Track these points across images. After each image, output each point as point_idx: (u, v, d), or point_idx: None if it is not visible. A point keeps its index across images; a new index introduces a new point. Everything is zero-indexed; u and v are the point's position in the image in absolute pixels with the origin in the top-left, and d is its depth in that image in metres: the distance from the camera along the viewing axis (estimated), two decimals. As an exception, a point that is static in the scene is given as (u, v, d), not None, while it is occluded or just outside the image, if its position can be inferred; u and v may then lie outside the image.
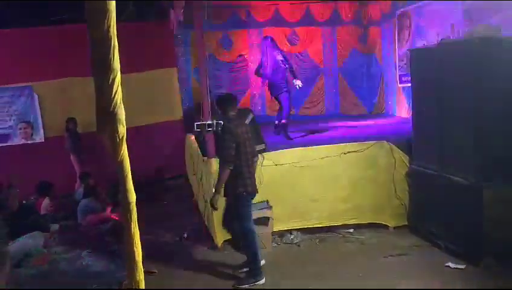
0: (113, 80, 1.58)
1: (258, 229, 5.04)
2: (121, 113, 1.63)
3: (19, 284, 4.45)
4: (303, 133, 7.31)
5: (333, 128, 7.87)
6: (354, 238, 5.37)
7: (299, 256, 4.99)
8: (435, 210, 4.94)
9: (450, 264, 4.41)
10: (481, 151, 4.35)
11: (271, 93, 7.43)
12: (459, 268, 4.34)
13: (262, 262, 4.49)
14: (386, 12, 9.09)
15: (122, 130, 1.65)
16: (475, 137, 4.37)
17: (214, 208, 4.32)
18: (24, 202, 6.71)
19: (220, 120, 4.56)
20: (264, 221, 5.10)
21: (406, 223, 5.51)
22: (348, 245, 5.21)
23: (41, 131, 8.30)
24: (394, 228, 5.52)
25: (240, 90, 9.82)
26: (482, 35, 4.62)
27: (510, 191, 4.31)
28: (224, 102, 4.50)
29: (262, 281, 4.31)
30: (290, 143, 6.22)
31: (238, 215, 4.37)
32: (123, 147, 1.68)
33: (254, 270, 4.32)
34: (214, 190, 4.31)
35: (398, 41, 8.78)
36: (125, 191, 1.74)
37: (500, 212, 4.28)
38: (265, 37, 7.48)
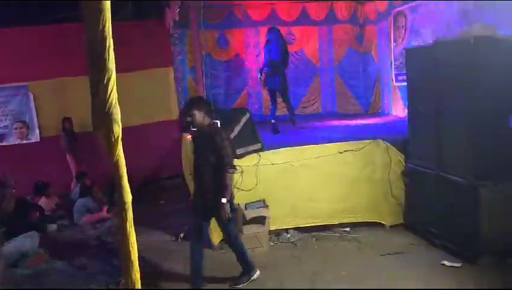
0: (108, 79, 1.57)
1: (255, 229, 5.07)
2: (117, 113, 1.63)
3: (15, 284, 4.44)
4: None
5: (330, 127, 7.89)
6: (351, 236, 5.39)
7: (295, 255, 4.99)
8: (431, 209, 4.95)
9: (446, 262, 4.43)
10: (477, 150, 4.36)
11: (273, 85, 7.32)
12: (455, 266, 4.35)
13: None
14: (382, 12, 9.11)
15: (118, 129, 1.65)
16: (471, 136, 4.39)
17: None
18: (29, 197, 6.70)
19: (212, 123, 4.22)
20: (261, 220, 5.11)
21: (402, 221, 5.53)
22: (345, 244, 5.23)
23: (37, 131, 8.27)
24: (390, 226, 5.54)
25: (236, 90, 9.84)
26: (477, 34, 4.63)
27: (506, 190, 4.33)
28: (205, 104, 4.31)
29: (257, 273, 4.37)
30: (286, 142, 6.21)
31: (227, 221, 4.23)
32: (119, 147, 1.68)
33: (246, 267, 4.37)
34: (224, 201, 4.02)
35: (394, 40, 8.80)
36: (120, 190, 1.74)
37: (496, 211, 4.30)
38: (272, 28, 7.50)
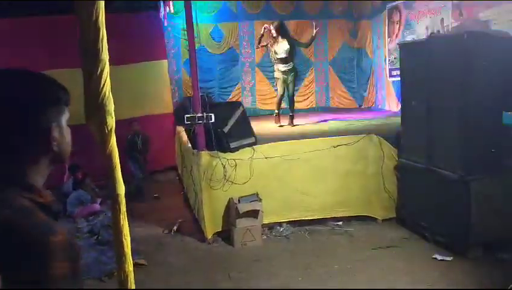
0: (102, 70, 1.57)
1: (248, 222, 5.08)
2: (110, 104, 1.62)
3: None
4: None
5: (324, 121, 7.92)
6: (343, 230, 5.42)
7: (288, 248, 5.02)
8: (423, 203, 4.99)
9: (437, 256, 4.47)
10: (468, 145, 4.40)
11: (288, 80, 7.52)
12: (446, 260, 4.40)
13: None
14: (376, 7, 9.12)
15: (111, 121, 1.64)
16: (462, 131, 4.42)
17: None
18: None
19: None
20: (254, 214, 5.12)
21: (394, 215, 5.57)
22: (337, 237, 5.26)
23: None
24: (382, 220, 5.57)
25: (230, 83, 9.83)
26: (470, 29, 4.66)
27: (497, 184, 4.38)
28: None
29: None
30: (279, 136, 6.24)
31: None
32: (112, 139, 1.67)
33: None
34: None
35: (388, 35, 8.82)
36: (113, 183, 1.73)
37: (487, 205, 4.35)
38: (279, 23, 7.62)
